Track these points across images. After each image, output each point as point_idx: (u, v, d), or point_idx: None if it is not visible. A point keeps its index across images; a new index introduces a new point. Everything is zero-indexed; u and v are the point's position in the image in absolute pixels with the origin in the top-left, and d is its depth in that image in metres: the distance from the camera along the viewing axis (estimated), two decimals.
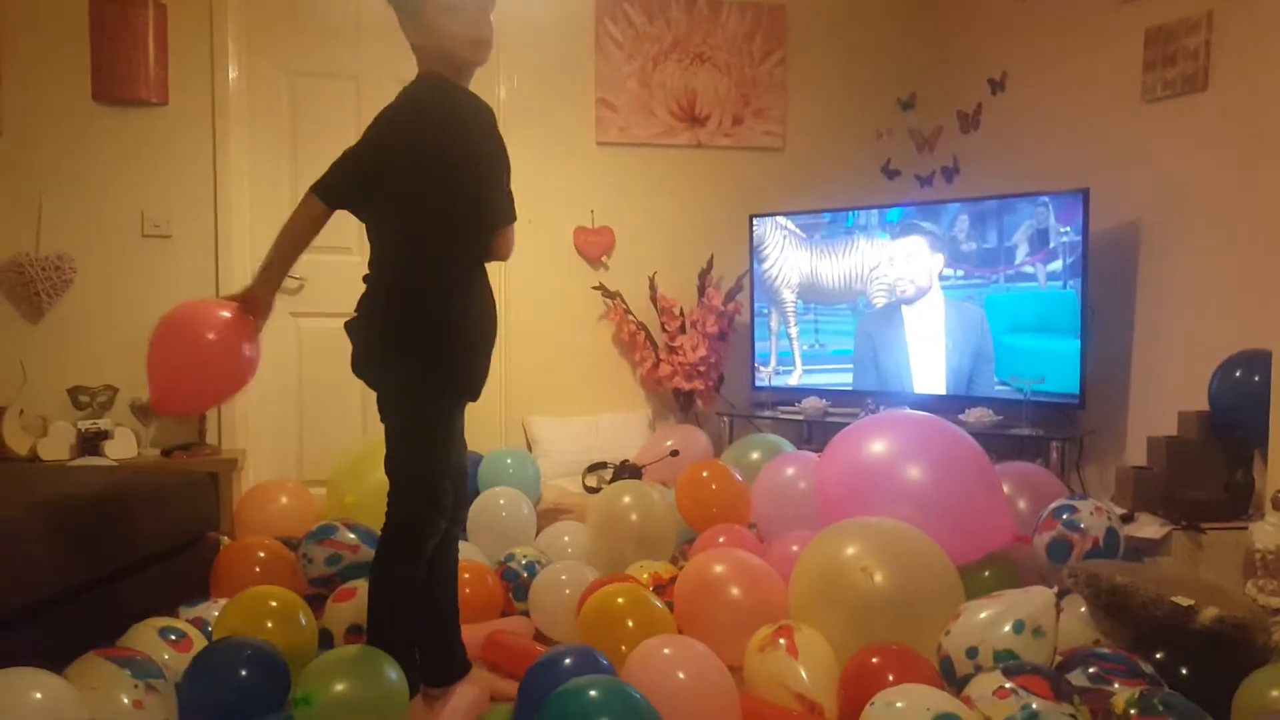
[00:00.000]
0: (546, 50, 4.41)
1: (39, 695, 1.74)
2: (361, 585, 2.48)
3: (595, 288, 4.46)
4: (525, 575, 2.96)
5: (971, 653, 2.11)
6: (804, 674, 2.19)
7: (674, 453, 3.85)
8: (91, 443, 3.64)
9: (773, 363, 4.40)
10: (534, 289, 4.37)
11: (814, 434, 4.27)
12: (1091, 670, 2.02)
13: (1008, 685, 1.87)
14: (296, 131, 4.15)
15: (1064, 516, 2.70)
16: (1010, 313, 3.74)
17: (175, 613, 2.55)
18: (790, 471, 3.24)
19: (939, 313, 3.92)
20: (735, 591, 2.56)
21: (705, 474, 3.34)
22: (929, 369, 3.97)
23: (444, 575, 2.34)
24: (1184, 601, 2.16)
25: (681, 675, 2.05)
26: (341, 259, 4.02)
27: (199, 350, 2.11)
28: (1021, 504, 2.97)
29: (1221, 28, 3.22)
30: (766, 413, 4.32)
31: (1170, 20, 3.38)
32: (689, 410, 4.50)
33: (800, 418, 4.21)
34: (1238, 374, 2.89)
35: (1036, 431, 3.58)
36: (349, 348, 2.18)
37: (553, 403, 4.42)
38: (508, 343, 4.04)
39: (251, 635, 2.23)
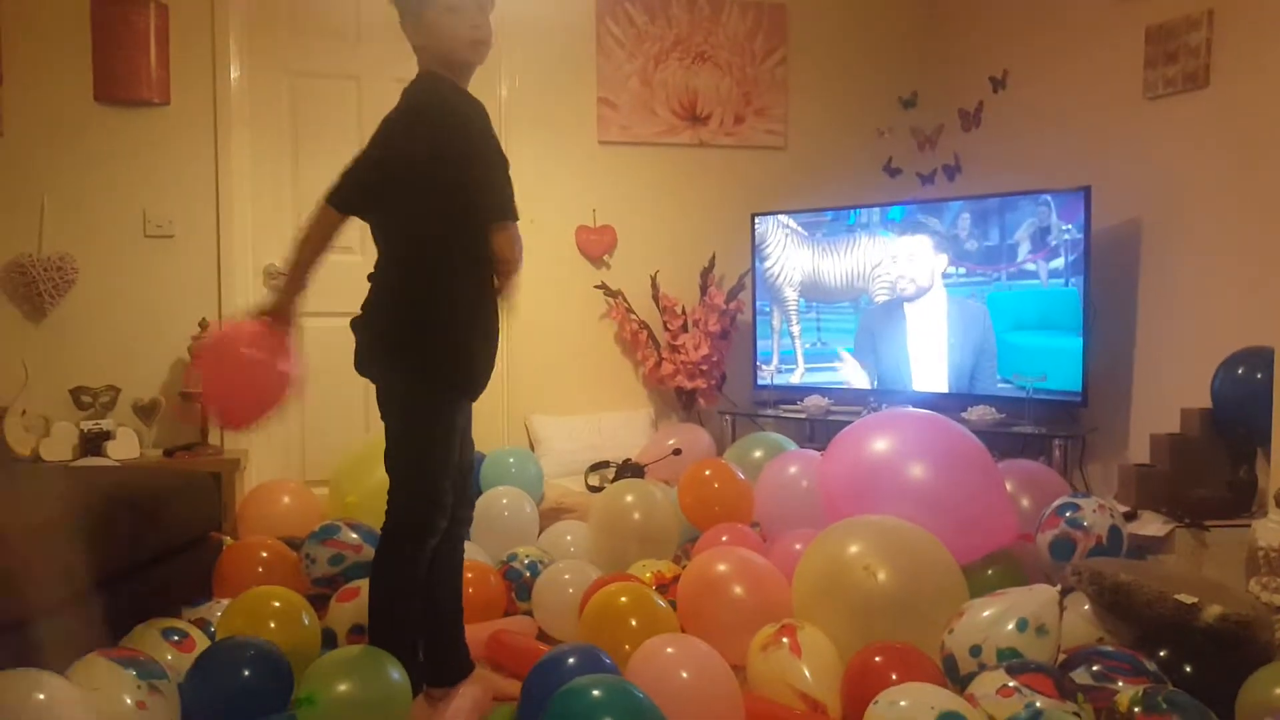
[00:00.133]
0: (548, 50, 4.41)
1: (42, 696, 1.75)
2: (364, 585, 2.48)
3: (597, 287, 4.46)
4: (528, 575, 2.96)
5: (975, 651, 2.10)
6: (807, 673, 2.19)
7: (676, 451, 3.85)
8: (94, 443, 3.64)
9: (775, 361, 4.40)
10: (536, 288, 4.35)
11: (816, 432, 4.27)
12: (1095, 668, 2.02)
13: (1011, 683, 1.87)
14: (298, 131, 4.14)
15: (1067, 514, 2.70)
16: (1012, 310, 3.73)
17: (178, 613, 2.55)
18: (793, 470, 3.24)
19: (941, 310, 3.92)
20: (738, 590, 2.55)
21: (708, 473, 3.34)
22: (931, 367, 3.97)
23: (448, 575, 2.34)
24: (1187, 599, 2.15)
25: (685, 674, 2.05)
26: (343, 259, 3.98)
27: (235, 367, 2.17)
28: (1024, 502, 2.97)
29: (1223, 25, 3.22)
30: (769, 411, 4.32)
31: (1171, 17, 3.38)
32: (691, 409, 4.50)
33: (803, 416, 4.21)
34: (1240, 371, 2.88)
35: (1039, 429, 3.57)
36: (351, 347, 2.19)
37: (555, 402, 4.42)
38: (510, 342, 4.03)
39: (254, 635, 2.23)
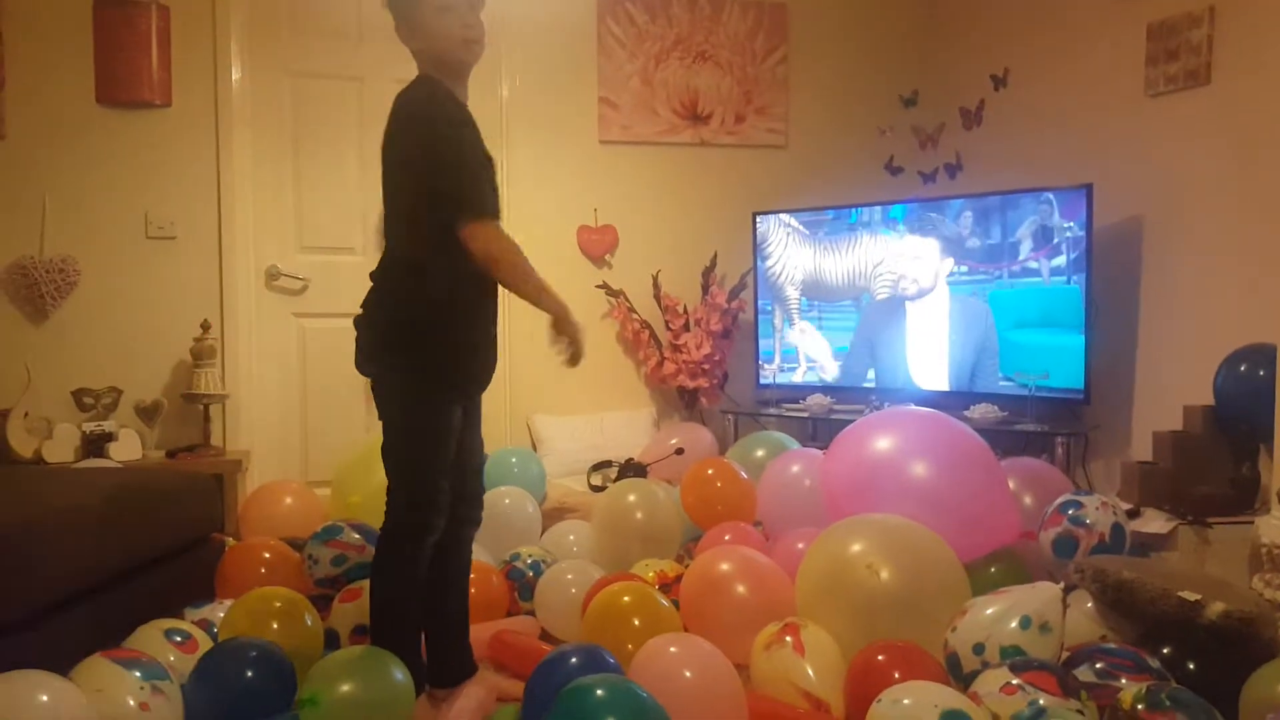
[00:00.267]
0: (548, 49, 4.41)
1: (45, 697, 1.74)
2: (367, 585, 2.48)
3: (599, 286, 4.46)
4: (531, 574, 2.96)
5: (978, 649, 2.10)
6: (810, 671, 2.18)
7: (679, 451, 3.85)
8: (96, 445, 3.64)
9: (777, 360, 4.40)
10: None
11: (819, 431, 4.26)
12: (1098, 665, 2.02)
13: (1014, 681, 1.86)
14: (299, 132, 4.14)
15: (1070, 512, 2.69)
16: (1014, 308, 3.73)
17: (181, 614, 2.54)
18: (795, 469, 3.23)
19: (944, 308, 3.92)
20: (741, 589, 2.55)
21: (710, 472, 3.33)
22: (933, 364, 3.96)
23: (455, 576, 2.34)
24: (1191, 596, 2.15)
25: (688, 674, 2.05)
26: (345, 259, 4.03)
27: None
28: (1027, 500, 2.97)
29: (1224, 22, 3.21)
30: (771, 410, 4.32)
31: (1172, 15, 3.37)
32: (693, 408, 4.50)
33: (805, 415, 4.20)
34: (1243, 368, 2.88)
35: (1042, 427, 3.57)
36: (353, 347, 2.19)
37: (557, 402, 4.42)
38: (512, 342, 4.03)
39: (257, 636, 2.23)
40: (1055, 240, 3.60)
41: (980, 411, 3.71)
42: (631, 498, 3.16)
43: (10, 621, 2.09)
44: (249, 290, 4.08)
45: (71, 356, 3.82)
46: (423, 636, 2.28)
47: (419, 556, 2.16)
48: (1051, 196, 3.61)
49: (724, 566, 2.62)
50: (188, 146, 3.94)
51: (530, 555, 3.03)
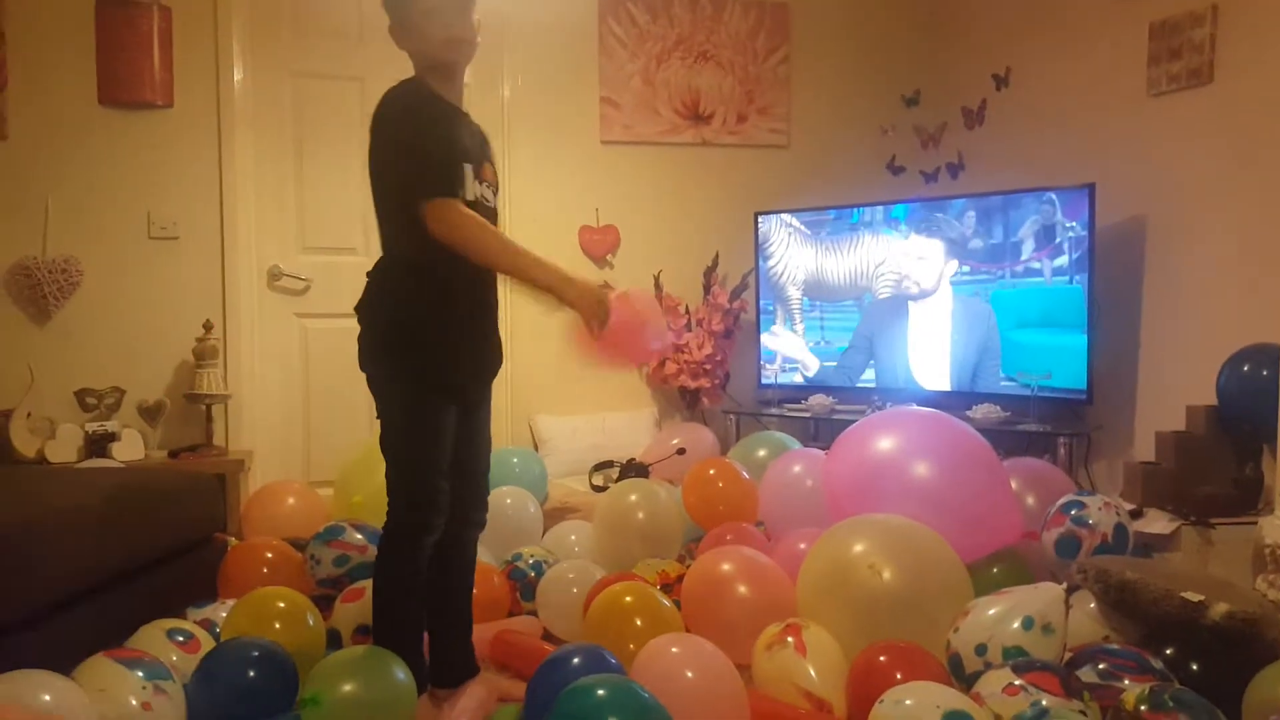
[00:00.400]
0: (550, 49, 4.41)
1: (47, 697, 1.75)
2: (369, 585, 2.48)
3: (600, 287, 4.46)
4: (532, 574, 2.95)
5: (980, 650, 2.10)
6: (812, 672, 2.18)
7: (680, 451, 3.85)
8: (99, 445, 3.65)
9: (778, 360, 4.39)
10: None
11: (821, 431, 4.26)
12: (1101, 666, 2.01)
13: (1017, 682, 1.86)
14: (301, 133, 4.15)
15: (1072, 512, 2.69)
16: (1017, 308, 3.73)
17: (183, 614, 2.55)
18: (797, 469, 3.23)
19: (946, 308, 3.92)
20: (743, 589, 2.55)
21: (712, 472, 3.33)
22: (935, 364, 3.96)
23: (458, 577, 2.34)
24: (1194, 597, 2.15)
25: (690, 674, 2.04)
26: (347, 259, 4.03)
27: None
28: (1030, 500, 2.96)
29: (1226, 21, 3.21)
30: (773, 410, 4.32)
31: (1175, 14, 3.37)
32: (695, 408, 4.50)
33: (807, 415, 4.20)
34: (1246, 368, 2.87)
35: (1044, 427, 3.57)
36: (355, 348, 2.19)
37: (559, 402, 4.42)
38: (513, 342, 4.03)
39: (259, 636, 2.23)
40: (1057, 240, 3.60)
41: (982, 412, 3.71)
42: (633, 498, 3.15)
43: (12, 621, 2.09)
44: (251, 290, 4.08)
45: (74, 357, 3.82)
46: (426, 636, 2.28)
47: (419, 556, 2.16)
48: (1054, 196, 3.61)
49: (726, 567, 2.61)
50: (189, 147, 3.95)
51: (532, 555, 3.03)
